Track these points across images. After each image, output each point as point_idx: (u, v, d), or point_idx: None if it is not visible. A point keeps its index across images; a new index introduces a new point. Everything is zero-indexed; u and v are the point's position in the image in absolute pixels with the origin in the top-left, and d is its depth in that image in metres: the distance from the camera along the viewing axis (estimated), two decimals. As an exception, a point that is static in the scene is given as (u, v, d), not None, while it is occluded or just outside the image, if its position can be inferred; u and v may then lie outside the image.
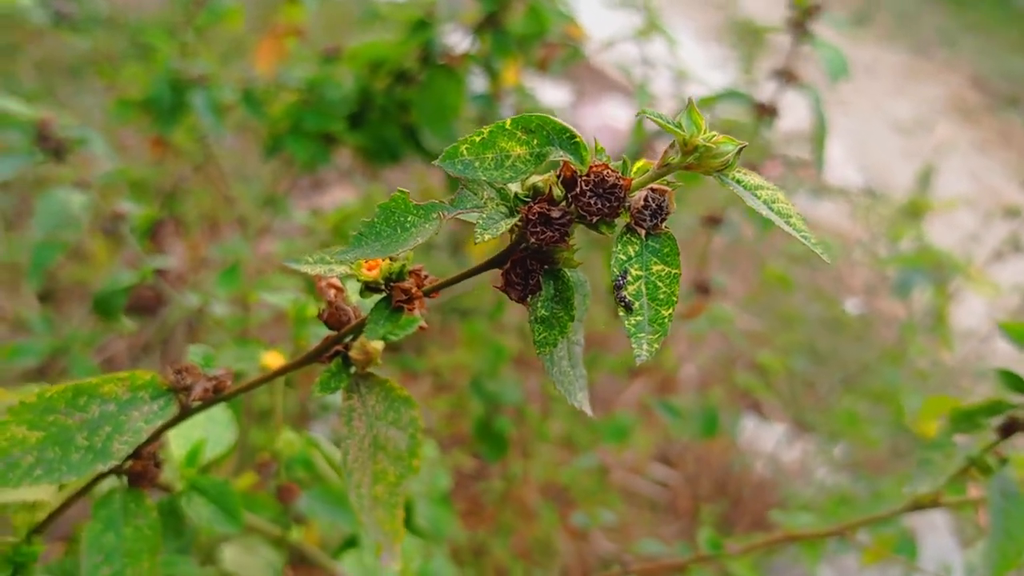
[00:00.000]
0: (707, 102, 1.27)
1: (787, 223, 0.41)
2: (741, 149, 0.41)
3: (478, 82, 2.13)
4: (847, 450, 2.23)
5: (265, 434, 1.46)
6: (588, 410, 0.51)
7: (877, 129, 4.93)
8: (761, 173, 1.39)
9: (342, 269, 0.53)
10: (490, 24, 1.89)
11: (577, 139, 0.42)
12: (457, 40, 1.92)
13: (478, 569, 2.00)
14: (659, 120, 0.40)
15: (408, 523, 1.16)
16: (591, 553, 2.04)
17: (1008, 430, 0.72)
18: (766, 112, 1.29)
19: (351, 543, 1.00)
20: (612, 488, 2.07)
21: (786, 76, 1.26)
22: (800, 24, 1.21)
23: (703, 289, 1.39)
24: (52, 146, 1.29)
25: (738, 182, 0.42)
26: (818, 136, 1.23)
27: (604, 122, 3.78)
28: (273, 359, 0.82)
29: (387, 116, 2.07)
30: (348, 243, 0.46)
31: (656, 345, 0.39)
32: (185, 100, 1.91)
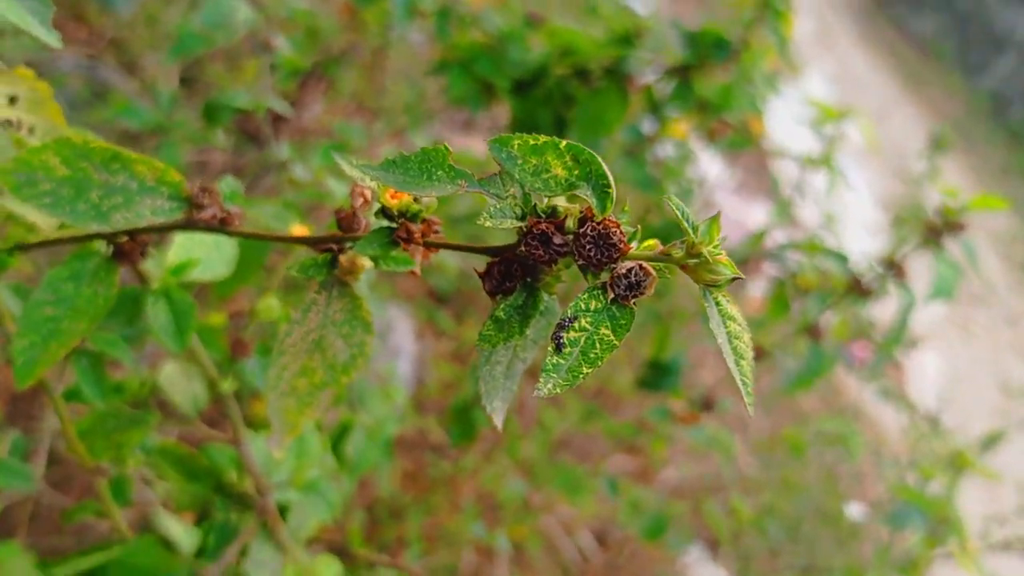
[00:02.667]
0: (809, 248, 1.26)
1: (736, 363, 0.42)
2: (735, 279, 0.42)
3: (649, 121, 2.15)
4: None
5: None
6: (499, 421, 0.52)
7: (982, 374, 4.77)
8: (851, 348, 1.37)
9: (373, 184, 0.56)
10: (681, 74, 1.91)
11: (609, 190, 0.44)
12: (647, 73, 1.94)
13: (385, 527, 2.03)
14: (678, 213, 0.41)
15: (336, 444, 1.19)
16: (488, 574, 2.05)
17: None
18: (857, 289, 1.27)
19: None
20: (538, 531, 2.07)
21: (895, 268, 1.25)
22: (937, 232, 1.19)
23: (707, 404, 1.39)
24: (248, -43, 1.36)
25: (716, 303, 0.43)
26: (892, 339, 1.22)
27: (739, 216, 3.76)
28: (298, 231, 0.86)
29: (548, 100, 2.10)
30: (380, 163, 0.49)
31: (559, 390, 0.40)
32: (388, -15, 1.97)
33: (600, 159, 0.44)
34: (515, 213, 0.46)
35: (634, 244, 0.44)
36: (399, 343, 2.34)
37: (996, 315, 5.54)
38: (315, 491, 0.92)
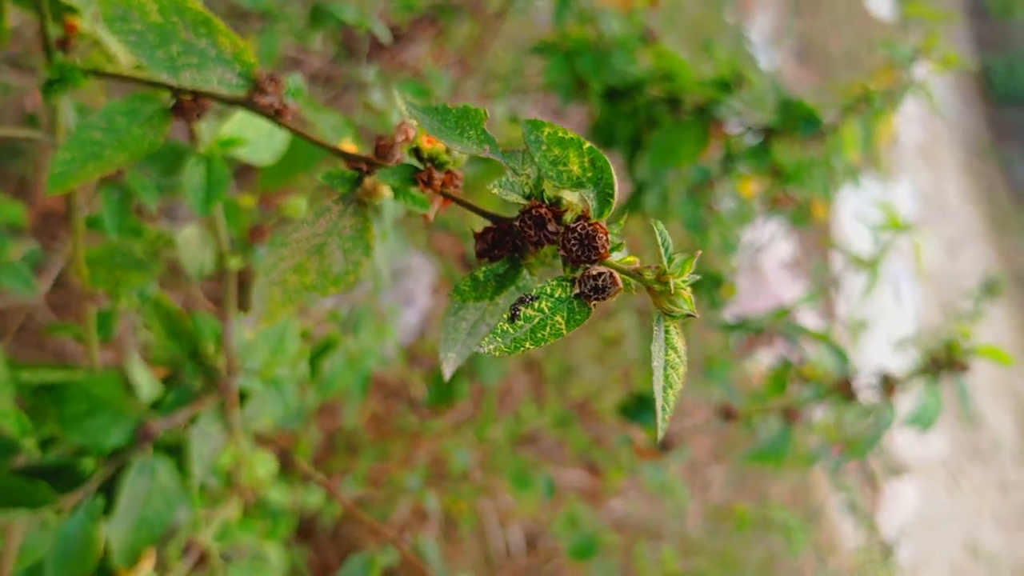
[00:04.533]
0: (816, 337, 1.29)
1: (663, 391, 0.45)
2: (689, 315, 0.45)
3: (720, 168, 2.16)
4: None
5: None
6: (447, 372, 0.56)
7: (955, 527, 4.73)
8: (836, 452, 1.38)
9: (416, 124, 0.60)
10: (764, 135, 1.92)
11: (611, 199, 0.47)
12: (734, 122, 1.95)
13: (337, 456, 2.08)
14: (660, 239, 0.45)
15: (316, 357, 1.24)
16: (413, 532, 2.09)
17: None
18: (845, 389, 1.29)
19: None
20: (475, 512, 2.11)
21: (887, 384, 1.26)
22: (938, 365, 1.21)
23: (666, 446, 1.42)
24: None
25: (666, 331, 0.46)
26: (858, 445, 1.23)
27: (780, 290, 3.76)
28: (348, 147, 0.90)
29: (633, 115, 2.13)
30: (424, 106, 0.52)
31: (498, 353, 0.44)
32: (523, -43, 2.01)
33: (612, 171, 0.47)
34: (523, 191, 0.50)
35: (615, 255, 0.47)
36: (415, 293, 2.39)
37: (991, 477, 5.48)
38: (277, 388, 0.97)
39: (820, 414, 1.61)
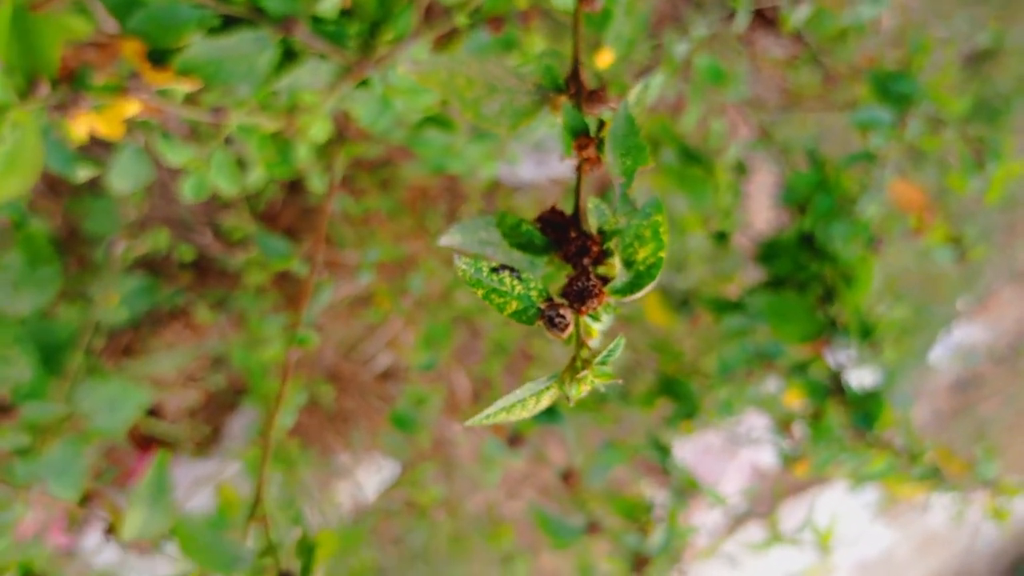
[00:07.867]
0: (671, 514, 1.38)
1: (502, 407, 0.54)
2: (566, 398, 0.54)
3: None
4: None
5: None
6: (442, 242, 0.65)
7: None
8: None
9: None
10: (835, 388, 1.96)
11: (632, 293, 0.55)
12: (839, 350, 1.99)
13: (364, 180, 2.19)
14: (612, 347, 0.53)
15: (427, 119, 1.33)
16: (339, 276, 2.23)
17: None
18: (636, 565, 1.40)
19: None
20: (385, 317, 2.25)
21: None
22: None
23: (513, 439, 1.53)
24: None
25: (547, 387, 0.55)
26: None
27: (730, 483, 3.81)
28: (601, 55, 0.98)
29: (798, 267, 2.16)
30: (634, 105, 0.60)
31: (458, 268, 0.53)
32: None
33: (654, 281, 0.55)
34: (602, 225, 0.58)
35: (590, 320, 0.56)
36: (528, 179, 2.44)
37: None
38: (385, 106, 1.08)
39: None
